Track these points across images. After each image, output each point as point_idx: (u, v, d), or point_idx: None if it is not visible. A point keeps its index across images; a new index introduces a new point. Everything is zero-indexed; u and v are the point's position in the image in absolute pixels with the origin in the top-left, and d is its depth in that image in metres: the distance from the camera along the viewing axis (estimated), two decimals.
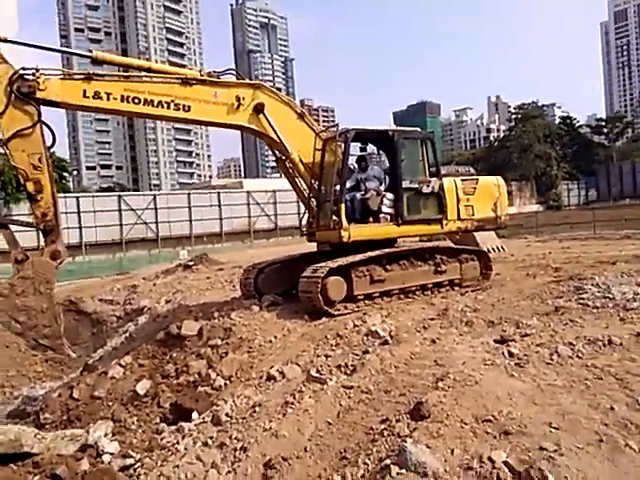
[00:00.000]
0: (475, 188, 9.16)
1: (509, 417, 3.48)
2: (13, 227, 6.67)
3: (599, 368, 4.27)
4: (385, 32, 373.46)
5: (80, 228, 30.92)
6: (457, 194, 8.87)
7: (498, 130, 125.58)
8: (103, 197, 36.69)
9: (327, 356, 5.69)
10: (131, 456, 4.46)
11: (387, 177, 8.60)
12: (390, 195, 8.28)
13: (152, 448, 4.54)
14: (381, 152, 9.10)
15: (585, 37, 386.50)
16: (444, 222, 8.67)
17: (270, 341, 6.67)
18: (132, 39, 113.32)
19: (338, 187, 7.92)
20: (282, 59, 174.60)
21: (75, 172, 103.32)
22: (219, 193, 38.56)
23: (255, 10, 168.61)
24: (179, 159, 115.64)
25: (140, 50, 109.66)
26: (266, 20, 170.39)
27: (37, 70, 6.34)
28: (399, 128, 8.92)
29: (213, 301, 9.64)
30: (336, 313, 7.33)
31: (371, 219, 8.20)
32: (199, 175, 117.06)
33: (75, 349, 6.17)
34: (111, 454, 4.54)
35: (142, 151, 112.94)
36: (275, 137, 8.04)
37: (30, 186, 6.05)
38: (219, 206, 37.38)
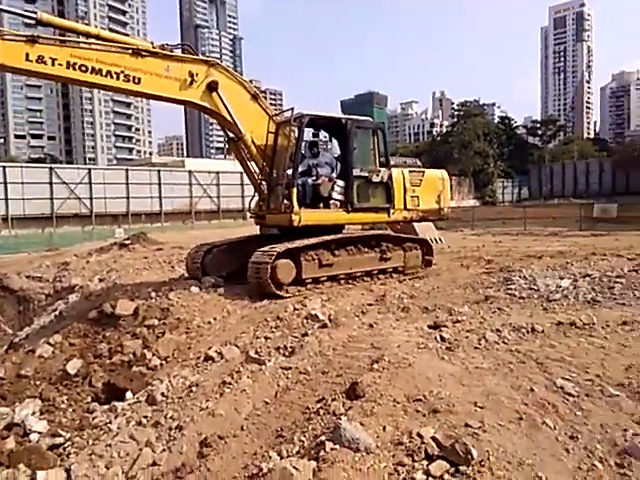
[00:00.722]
0: (421, 180, 9.48)
1: (438, 397, 3.65)
2: None
3: (522, 353, 4.57)
4: (343, 19, 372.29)
5: (6, 200, 29.03)
6: (404, 185, 9.14)
7: (441, 125, 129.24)
8: (33, 168, 34.43)
9: (266, 338, 5.73)
10: (61, 435, 4.33)
11: (338, 164, 8.70)
12: (341, 182, 8.41)
13: (83, 427, 4.43)
14: (332, 139, 9.16)
15: (526, 41, 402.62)
16: (391, 211, 8.93)
17: (209, 322, 6.63)
18: (70, 2, 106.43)
19: (290, 171, 7.97)
20: (231, 37, 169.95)
21: (2, 140, 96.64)
22: (159, 171, 37.28)
23: None
24: (117, 133, 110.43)
25: (78, 15, 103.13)
26: None
27: None
28: (352, 117, 8.93)
29: (150, 281, 9.40)
30: (285, 295, 7.40)
31: (321, 205, 8.32)
32: (138, 151, 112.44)
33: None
34: (39, 433, 4.39)
35: (77, 122, 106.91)
36: (228, 117, 7.92)
37: None
38: (159, 184, 36.17)
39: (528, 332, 5.16)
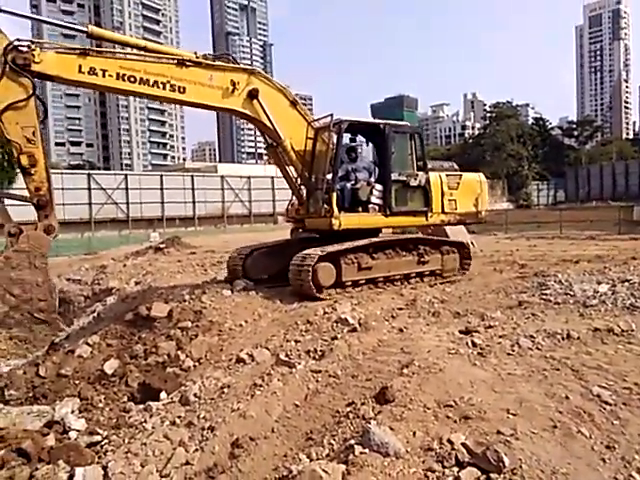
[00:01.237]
0: (459, 183, 9.48)
1: (469, 403, 3.61)
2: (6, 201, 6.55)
3: (557, 360, 4.47)
4: (371, 27, 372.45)
5: None
6: (442, 188, 9.17)
7: (473, 127, 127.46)
8: (72, 175, 35.70)
9: (297, 341, 5.77)
10: (98, 433, 4.46)
11: (375, 168, 8.79)
12: (379, 186, 8.49)
13: (119, 426, 4.55)
14: (369, 144, 9.24)
15: (561, 40, 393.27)
16: (429, 214, 8.98)
17: (240, 325, 6.71)
18: (106, 13, 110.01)
19: (330, 176, 8.08)
20: (261, 43, 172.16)
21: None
22: (193, 176, 38.10)
23: None
24: (152, 139, 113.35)
25: (114, 25, 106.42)
26: (245, 2, 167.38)
27: (32, 42, 6.24)
28: (390, 122, 9.04)
29: (184, 284, 9.59)
30: (325, 298, 7.54)
31: (360, 209, 8.39)
32: (172, 157, 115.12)
33: (41, 328, 6.06)
34: (78, 431, 4.53)
35: (114, 129, 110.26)
36: (268, 123, 8.08)
37: (24, 159, 5.95)
38: (192, 189, 36.95)
39: (563, 338, 5.04)
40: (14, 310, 5.61)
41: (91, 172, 36.62)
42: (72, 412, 4.80)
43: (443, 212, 9.20)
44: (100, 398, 5.31)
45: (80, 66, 6.53)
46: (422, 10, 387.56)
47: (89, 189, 31.97)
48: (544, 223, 24.19)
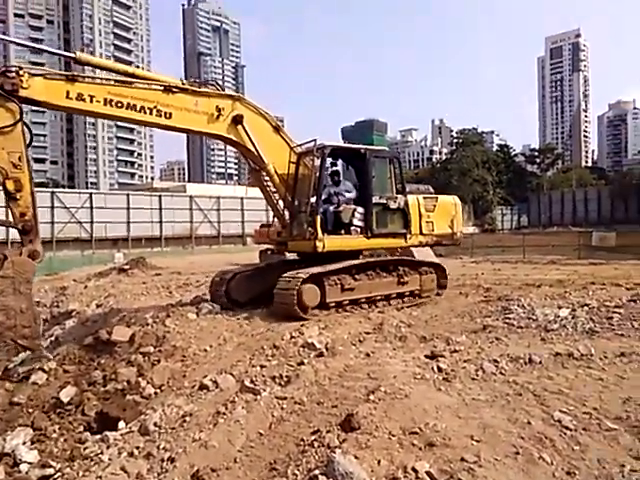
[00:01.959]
0: (435, 206, 9.84)
1: (434, 429, 3.61)
2: None
3: (519, 384, 4.53)
4: (340, 48, 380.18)
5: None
6: (420, 211, 9.51)
7: (440, 153, 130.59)
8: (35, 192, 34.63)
9: (262, 366, 5.67)
10: (51, 466, 4.24)
11: (355, 192, 8.98)
12: (361, 209, 8.72)
13: (74, 458, 4.34)
14: (349, 167, 9.46)
15: (525, 70, 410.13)
16: (408, 236, 9.26)
17: (205, 350, 6.57)
18: (76, 29, 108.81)
19: (314, 199, 8.24)
20: (233, 64, 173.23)
21: None
22: (160, 196, 37.52)
23: (207, 13, 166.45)
24: (120, 158, 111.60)
25: (84, 42, 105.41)
26: (218, 24, 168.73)
27: (20, 68, 6.25)
28: (371, 147, 9.56)
29: (148, 307, 9.36)
30: (311, 319, 7.65)
31: (343, 231, 8.60)
32: (140, 176, 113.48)
33: None
34: (29, 463, 4.30)
35: (80, 147, 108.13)
36: (252, 148, 8.24)
37: (10, 185, 5.90)
38: (160, 209, 36.34)
39: (526, 363, 5.13)
40: None
41: (55, 190, 35.63)
42: (24, 443, 4.55)
43: (421, 234, 9.51)
44: (54, 428, 5.06)
45: (68, 92, 6.58)
46: (392, 39, 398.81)
47: (52, 207, 31.06)
48: (508, 247, 24.79)
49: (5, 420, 5.27)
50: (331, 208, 8.67)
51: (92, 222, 32.62)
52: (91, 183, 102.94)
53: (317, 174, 8.33)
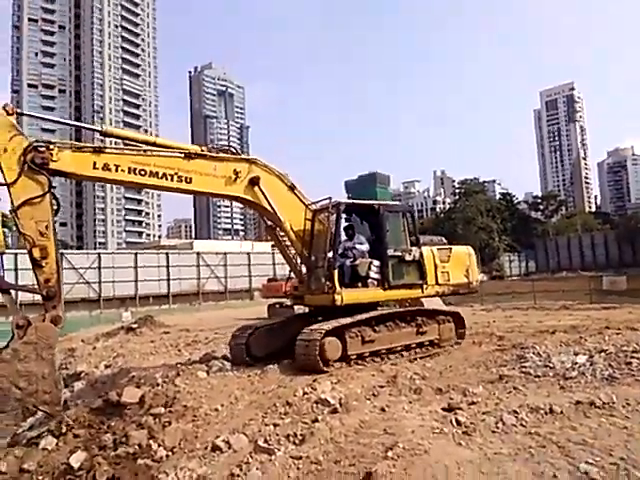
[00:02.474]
0: (449, 256, 10.04)
1: None
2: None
3: (542, 436, 4.40)
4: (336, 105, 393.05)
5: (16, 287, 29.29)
6: (435, 261, 9.68)
7: (444, 202, 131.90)
8: None
9: (275, 425, 5.54)
10: None
11: (371, 245, 9.23)
12: (377, 262, 8.88)
13: None
14: (363, 222, 9.73)
15: (524, 121, 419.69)
16: (424, 287, 9.40)
17: (216, 409, 6.43)
18: (87, 98, 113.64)
19: (331, 254, 8.46)
20: (238, 125, 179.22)
21: (14, 228, 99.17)
22: (167, 253, 37.90)
23: (213, 78, 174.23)
24: (127, 217, 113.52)
25: (95, 109, 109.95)
26: (223, 88, 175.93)
27: (50, 143, 6.61)
28: (384, 202, 10.10)
29: (157, 366, 9.25)
30: (332, 372, 7.72)
31: (360, 284, 8.75)
32: (148, 234, 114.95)
33: (2, 417, 5.70)
34: None
35: (89, 209, 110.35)
36: (269, 207, 8.50)
37: (36, 252, 6.10)
38: (167, 267, 36.61)
39: (546, 413, 4.99)
40: (18, 403, 5.49)
41: (63, 252, 36.07)
42: None
43: (437, 284, 9.64)
44: None
45: (94, 162, 6.91)
46: (393, 88, 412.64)
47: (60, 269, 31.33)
48: (518, 294, 24.54)
49: None
50: (347, 262, 8.88)
51: (100, 282, 32.83)
52: (99, 243, 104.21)
53: (333, 230, 8.62)
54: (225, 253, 40.90)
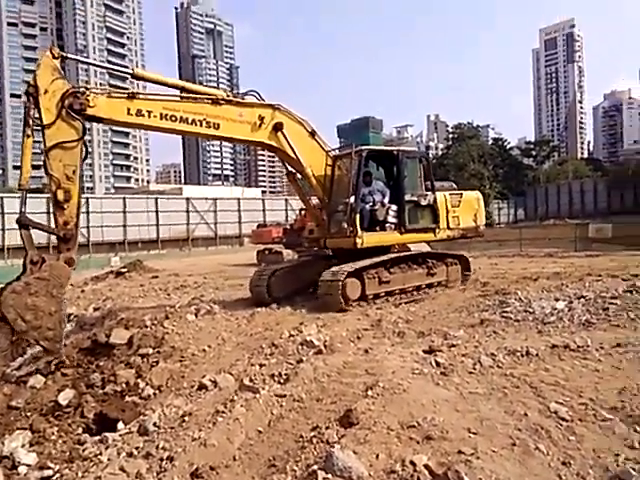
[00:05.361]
0: (460, 201, 10.45)
1: (432, 423, 3.62)
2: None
3: (516, 377, 4.55)
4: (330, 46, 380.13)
5: (3, 230, 29.12)
6: (447, 207, 10.12)
7: (437, 148, 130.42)
8: (32, 198, 34.52)
9: (261, 365, 5.69)
10: (49, 467, 4.24)
11: (387, 190, 9.56)
12: (394, 207, 9.34)
13: (73, 459, 4.33)
14: (379, 168, 10.07)
15: (519, 62, 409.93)
16: (437, 231, 9.92)
17: (204, 350, 6.59)
18: (70, 36, 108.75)
19: (352, 199, 8.82)
20: (227, 66, 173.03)
21: (0, 171, 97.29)
22: (157, 199, 37.54)
23: (201, 15, 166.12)
24: (115, 162, 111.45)
25: (78, 48, 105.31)
26: (212, 26, 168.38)
27: (87, 89, 6.75)
28: (403, 148, 10.46)
29: (146, 309, 9.36)
30: (353, 310, 8.30)
31: (378, 228, 9.24)
32: (136, 179, 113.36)
33: None
34: (28, 465, 4.30)
35: None
36: (291, 153, 8.79)
37: (60, 194, 6.22)
38: (156, 212, 36.37)
39: (523, 356, 5.14)
40: (22, 335, 5.59)
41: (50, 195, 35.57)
42: (22, 446, 4.55)
43: (449, 228, 10.13)
44: (53, 431, 5.05)
45: (128, 109, 7.10)
46: (390, 35, 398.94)
47: (48, 213, 30.95)
48: (505, 241, 24.75)
49: (3, 424, 5.27)
50: (367, 207, 9.22)
51: (88, 227, 32.63)
52: (87, 188, 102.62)
53: (354, 176, 8.93)
54: (215, 199, 40.60)
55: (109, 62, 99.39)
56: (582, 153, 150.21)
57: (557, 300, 7.63)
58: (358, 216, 8.76)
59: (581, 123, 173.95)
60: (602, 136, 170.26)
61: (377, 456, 3.28)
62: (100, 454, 4.24)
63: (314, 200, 10.00)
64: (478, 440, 3.37)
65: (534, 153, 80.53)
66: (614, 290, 8.01)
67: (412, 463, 3.11)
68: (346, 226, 8.76)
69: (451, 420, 3.69)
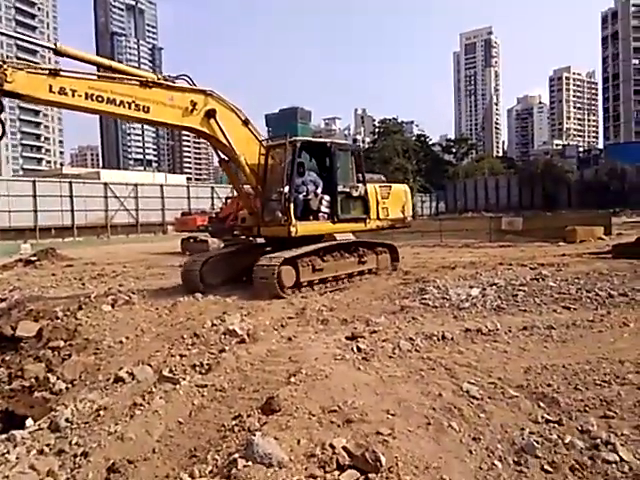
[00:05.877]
0: (389, 193, 10.89)
1: (352, 407, 3.72)
2: None
3: (433, 360, 4.78)
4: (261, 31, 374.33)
5: None
6: (377, 198, 10.48)
7: (363, 141, 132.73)
8: None
9: (182, 356, 5.55)
10: None
11: (320, 181, 9.68)
12: (327, 197, 9.55)
13: None
14: (312, 159, 10.21)
15: (443, 64, 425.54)
16: (367, 221, 10.24)
17: (121, 342, 6.32)
18: None
19: (287, 189, 8.90)
20: (150, 46, 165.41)
21: None
22: (71, 182, 35.25)
23: None
24: (24, 142, 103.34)
25: None
26: (133, 2, 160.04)
27: (4, 62, 6.22)
28: (336, 140, 10.88)
29: (57, 300, 8.82)
30: (286, 297, 8.35)
31: (311, 217, 9.40)
32: (48, 162, 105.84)
33: None
34: None
35: None
36: (224, 140, 8.64)
37: None
38: (71, 197, 34.18)
39: (439, 340, 5.41)
40: None
41: None
42: None
43: (378, 218, 10.50)
44: None
45: (50, 86, 6.65)
46: (323, 29, 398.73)
47: None
48: (427, 232, 25.74)
49: None
50: (300, 197, 9.33)
51: None
52: None
53: (289, 166, 8.94)
54: (136, 184, 38.80)
55: (17, 32, 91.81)
56: (497, 151, 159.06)
57: (472, 287, 8.09)
58: (292, 205, 8.89)
59: (496, 124, 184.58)
60: (515, 136, 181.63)
61: (298, 441, 3.31)
62: (7, 453, 3.99)
63: (247, 188, 9.93)
64: (395, 421, 3.50)
65: (454, 150, 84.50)
66: (523, 278, 8.62)
67: (331, 446, 3.18)
68: (280, 215, 8.87)
69: (370, 403, 3.81)
